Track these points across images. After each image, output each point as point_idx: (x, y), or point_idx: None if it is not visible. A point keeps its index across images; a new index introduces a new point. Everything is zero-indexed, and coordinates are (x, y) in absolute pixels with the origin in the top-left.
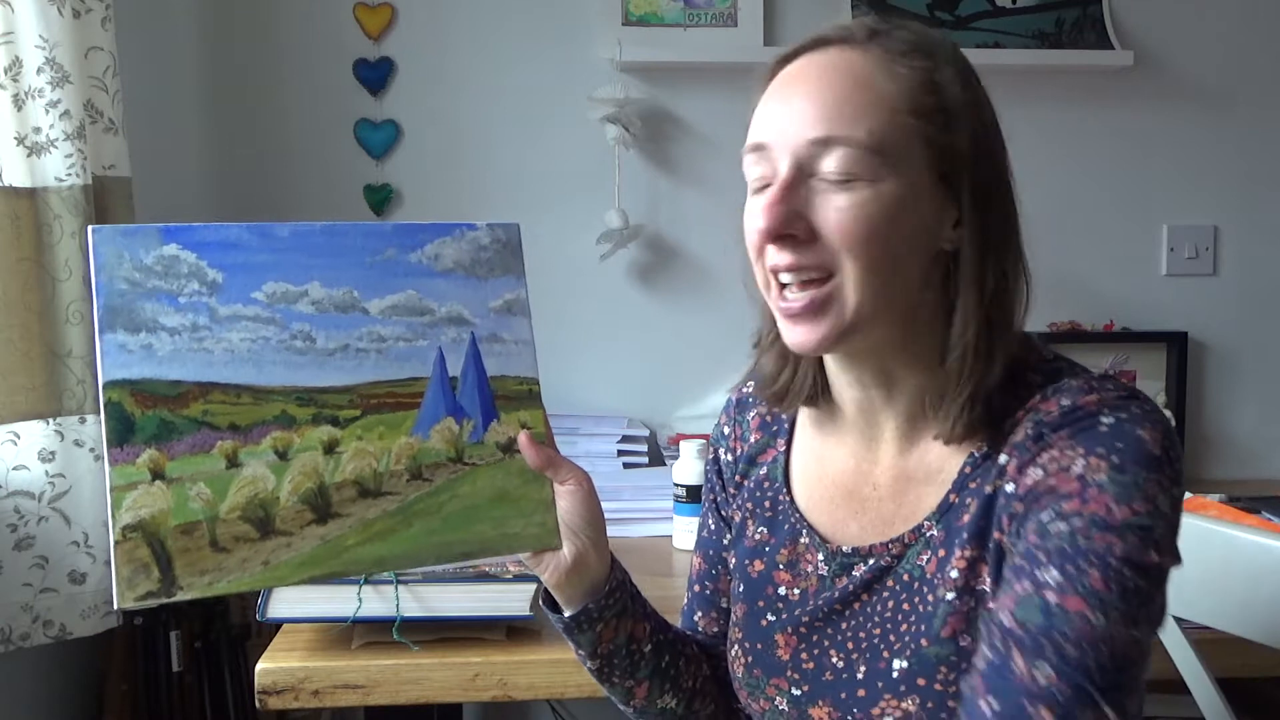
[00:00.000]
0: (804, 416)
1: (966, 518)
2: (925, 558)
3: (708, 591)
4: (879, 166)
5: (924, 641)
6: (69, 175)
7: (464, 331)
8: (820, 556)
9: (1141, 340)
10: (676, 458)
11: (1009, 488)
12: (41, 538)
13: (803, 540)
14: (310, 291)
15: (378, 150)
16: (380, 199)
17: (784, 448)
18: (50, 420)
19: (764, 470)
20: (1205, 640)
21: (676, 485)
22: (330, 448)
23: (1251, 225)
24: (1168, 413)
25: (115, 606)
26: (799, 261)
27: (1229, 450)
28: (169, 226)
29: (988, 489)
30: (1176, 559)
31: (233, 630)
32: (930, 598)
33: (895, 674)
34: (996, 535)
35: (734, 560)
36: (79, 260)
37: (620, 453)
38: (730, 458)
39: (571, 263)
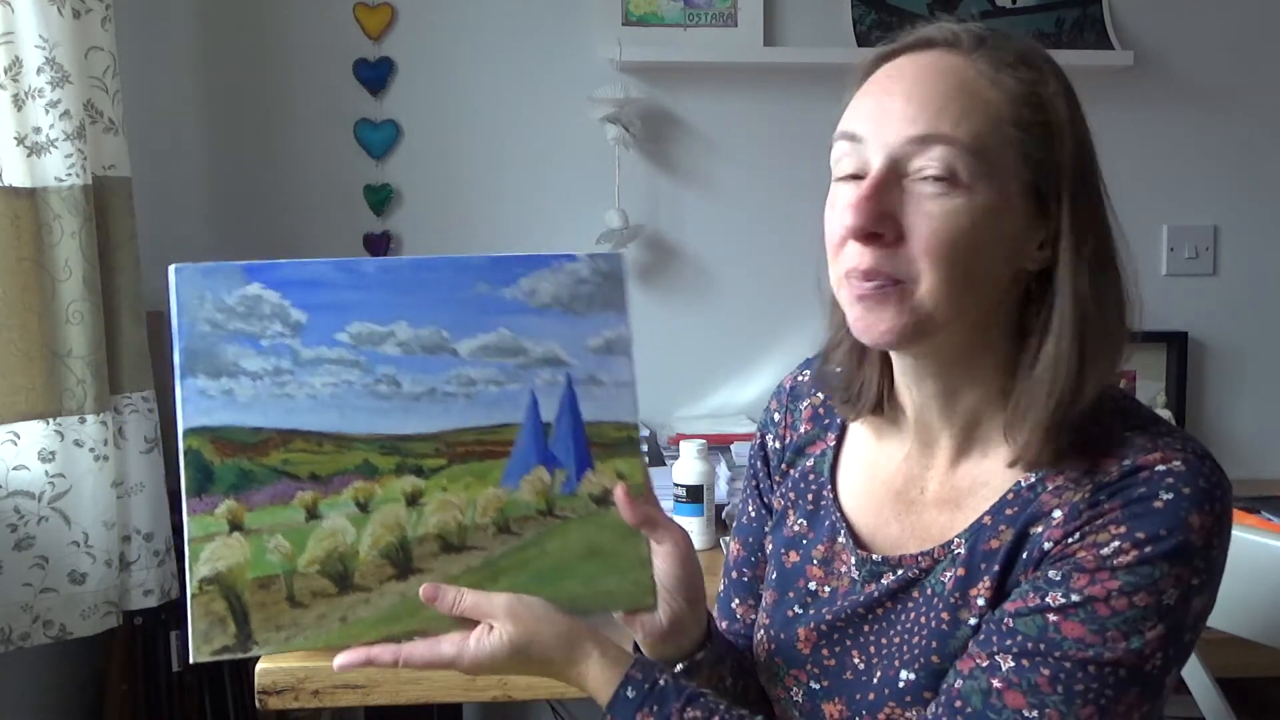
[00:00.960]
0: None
1: (996, 544)
2: (948, 574)
3: (745, 579)
4: (976, 172)
5: (935, 658)
6: (69, 175)
7: (559, 373)
8: (853, 560)
9: (1141, 340)
10: (676, 458)
11: (1046, 544)
12: (41, 538)
13: (839, 540)
14: (396, 332)
15: (378, 150)
16: (380, 199)
17: (834, 442)
18: (50, 420)
19: (810, 462)
20: (1205, 640)
21: (676, 485)
22: (413, 499)
23: (1251, 225)
24: (1167, 412)
25: (191, 660)
26: (878, 266)
27: (1229, 450)
28: (251, 265)
29: (1028, 528)
30: (1162, 651)
31: None
32: (946, 616)
33: (902, 684)
34: (1020, 578)
35: (770, 546)
36: (79, 260)
37: None
38: (778, 445)
39: None
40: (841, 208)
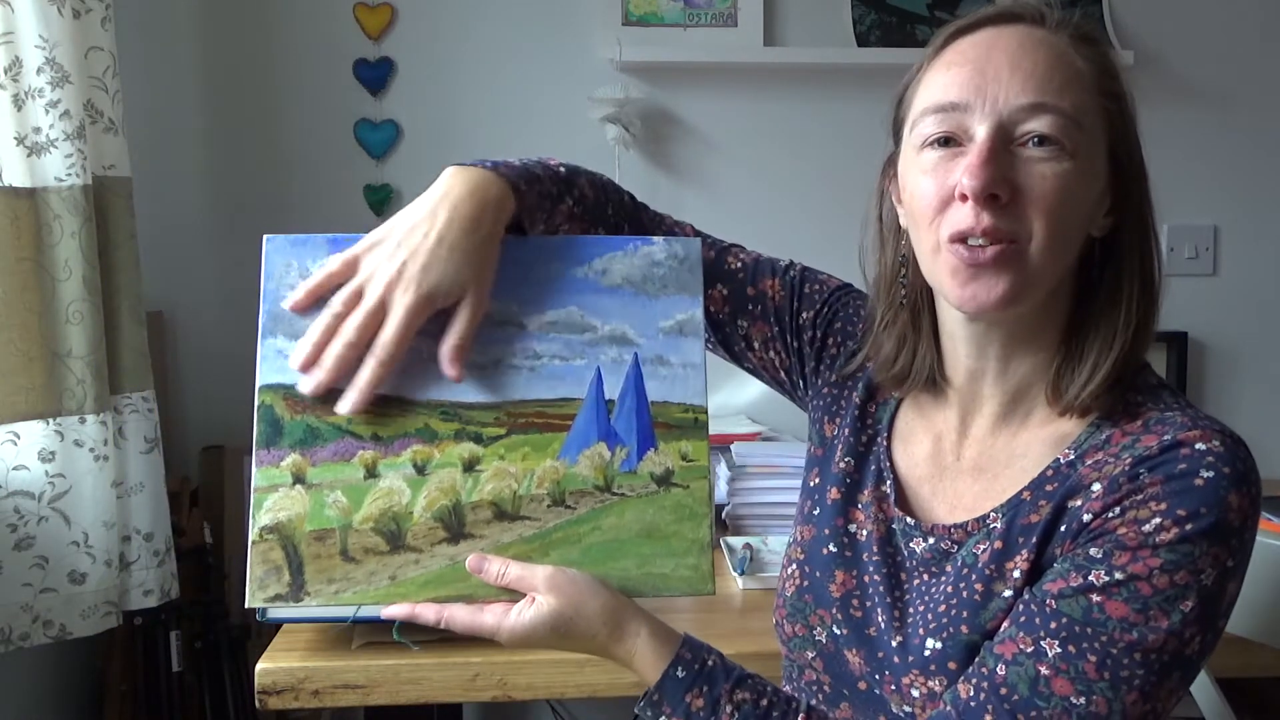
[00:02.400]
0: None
1: (1035, 519)
2: (982, 547)
3: (749, 304)
4: (1078, 139)
5: (964, 629)
6: (69, 175)
7: (626, 352)
8: (896, 512)
9: None
10: None
11: (1085, 516)
12: (41, 538)
13: (884, 488)
14: None
15: (378, 150)
16: (380, 199)
17: (899, 394)
18: (50, 420)
19: (874, 408)
20: None
21: None
22: (470, 465)
23: (1251, 225)
24: None
25: (246, 605)
26: (997, 224)
27: None
28: (336, 237)
29: (1066, 501)
30: (1200, 634)
31: (233, 630)
32: (979, 588)
33: (928, 652)
34: (1057, 550)
35: (816, 480)
36: (79, 260)
37: None
38: (839, 337)
39: None
40: (947, 172)
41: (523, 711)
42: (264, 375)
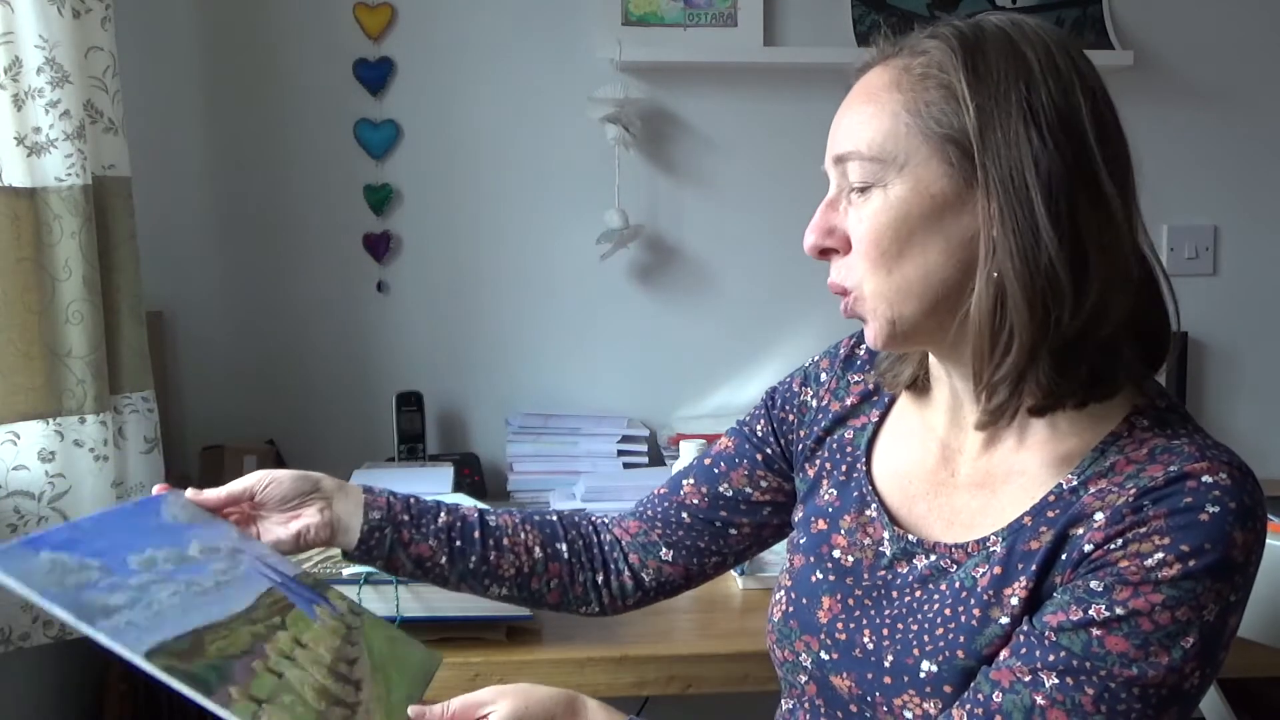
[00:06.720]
0: (905, 396)
1: (1036, 546)
2: (981, 570)
3: (716, 470)
4: (882, 172)
5: (960, 653)
6: (69, 175)
7: (242, 555)
8: (886, 535)
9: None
10: (676, 457)
11: (1087, 547)
12: None
13: (869, 512)
14: (156, 556)
15: (378, 150)
16: (380, 199)
17: (876, 419)
18: (50, 420)
19: (849, 434)
20: None
21: None
22: (299, 643)
23: (1251, 225)
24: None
25: None
26: (833, 279)
27: None
28: (30, 538)
29: (1068, 529)
30: (1199, 668)
31: None
32: (976, 612)
33: (923, 674)
34: (1057, 579)
35: (801, 513)
36: (79, 260)
37: (620, 453)
38: (815, 403)
39: (571, 262)
40: None
41: None
42: (135, 648)
